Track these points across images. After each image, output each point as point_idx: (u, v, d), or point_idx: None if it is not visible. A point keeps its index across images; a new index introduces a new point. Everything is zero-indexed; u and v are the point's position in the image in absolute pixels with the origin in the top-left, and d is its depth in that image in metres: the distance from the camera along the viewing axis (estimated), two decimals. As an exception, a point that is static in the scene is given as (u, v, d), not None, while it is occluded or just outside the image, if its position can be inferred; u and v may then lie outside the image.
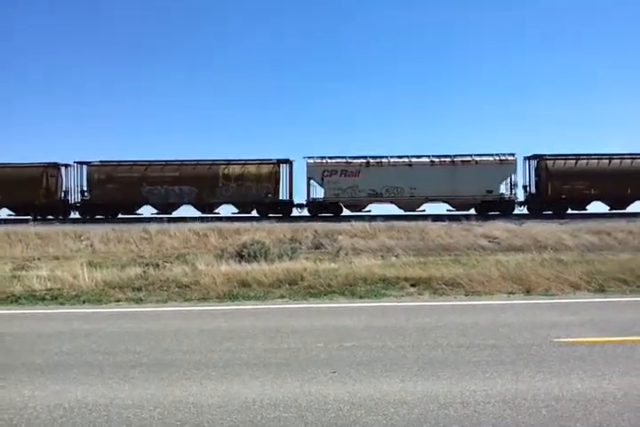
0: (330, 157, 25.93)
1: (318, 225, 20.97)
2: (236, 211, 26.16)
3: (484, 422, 3.77)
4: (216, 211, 26.17)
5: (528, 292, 9.35)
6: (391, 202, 25.94)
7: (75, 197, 26.77)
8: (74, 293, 9.67)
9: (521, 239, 18.17)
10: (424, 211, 25.41)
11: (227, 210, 26.31)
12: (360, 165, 25.64)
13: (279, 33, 78.18)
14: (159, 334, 6.58)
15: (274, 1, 77.20)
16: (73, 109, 74.25)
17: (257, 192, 25.83)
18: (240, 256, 13.43)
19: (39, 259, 16.39)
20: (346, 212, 25.84)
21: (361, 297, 9.15)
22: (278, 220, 23.65)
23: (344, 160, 25.81)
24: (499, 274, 10.12)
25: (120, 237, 20.20)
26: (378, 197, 25.73)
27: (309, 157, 26.02)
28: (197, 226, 21.34)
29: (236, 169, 26.14)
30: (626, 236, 18.92)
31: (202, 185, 25.85)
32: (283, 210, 26.06)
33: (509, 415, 3.87)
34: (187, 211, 26.26)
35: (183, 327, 7.01)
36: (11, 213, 26.20)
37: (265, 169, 26.20)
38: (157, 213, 25.50)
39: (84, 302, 9.15)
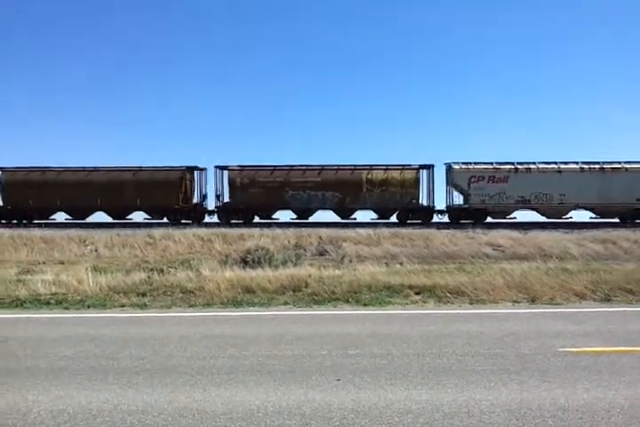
0: (475, 163, 25.81)
1: (323, 231, 20.97)
2: (375, 217, 25.95)
3: (489, 431, 3.75)
4: (352, 217, 26.08)
5: (533, 301, 9.31)
6: (536, 209, 25.66)
7: (210, 202, 26.81)
8: (78, 297, 9.69)
9: (525, 248, 18.14)
10: (570, 218, 25.54)
11: (366, 215, 26.32)
12: (509, 171, 25.47)
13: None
14: (163, 340, 6.58)
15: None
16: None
17: (401, 198, 25.69)
18: (244, 262, 13.46)
19: (44, 263, 16.45)
20: (488, 218, 25.70)
21: (365, 305, 9.13)
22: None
23: (491, 166, 25.65)
24: (503, 282, 10.09)
25: (125, 242, 20.26)
26: (525, 204, 25.49)
27: (454, 163, 25.87)
28: (202, 231, 21.39)
29: (379, 174, 25.96)
30: (631, 245, 18.88)
31: (345, 190, 25.73)
32: (423, 216, 25.87)
33: (515, 425, 3.84)
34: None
35: (187, 333, 7.00)
36: (147, 216, 26.08)
37: (408, 174, 26.03)
38: (296, 219, 25.64)
39: (88, 306, 9.16)
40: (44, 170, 26.49)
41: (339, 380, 4.91)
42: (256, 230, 21.53)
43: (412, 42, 79.86)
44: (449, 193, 26.34)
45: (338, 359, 5.62)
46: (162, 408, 4.23)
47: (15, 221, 25.95)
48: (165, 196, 25.40)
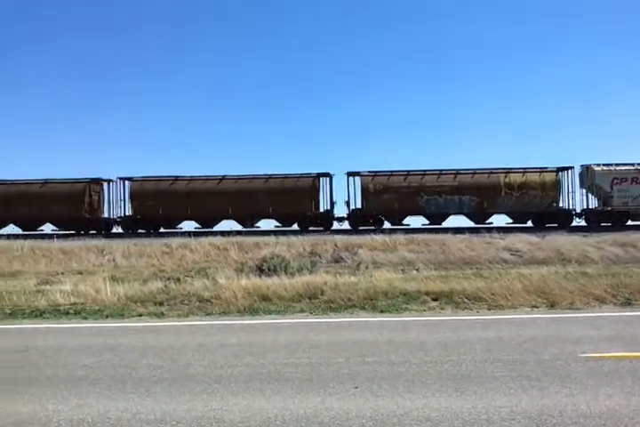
0: (617, 164, 25.53)
1: (338, 238, 20.95)
2: (510, 221, 25.88)
3: (509, 439, 3.70)
4: (488, 221, 25.85)
5: (552, 306, 9.20)
6: None
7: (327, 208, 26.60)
8: (97, 307, 9.77)
9: (544, 252, 17.95)
10: None
11: (501, 220, 26.20)
12: None
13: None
14: (181, 349, 6.60)
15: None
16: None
17: (540, 201, 25.35)
18: (260, 270, 13.48)
19: (62, 274, 16.62)
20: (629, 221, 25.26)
21: (382, 311, 9.09)
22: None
23: (633, 167, 25.37)
24: (522, 287, 9.99)
25: (142, 252, 20.41)
26: None
27: (594, 165, 25.59)
28: (217, 240, 21.47)
29: (517, 177, 25.67)
30: (652, 248, 18.57)
31: (483, 194, 25.40)
32: (563, 219, 25.52)
33: (536, 433, 3.79)
34: (459, 221, 26.07)
35: (204, 342, 7.02)
36: (277, 224, 26.25)
37: (548, 177, 25.76)
38: (429, 224, 25.29)
39: (106, 316, 9.23)
40: (173, 179, 26.80)
41: (356, 387, 4.88)
42: (271, 238, 21.58)
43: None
44: (585, 195, 26.08)
45: (355, 367, 5.60)
46: (180, 417, 4.23)
47: (143, 231, 26.34)
48: (297, 202, 25.43)
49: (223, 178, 26.52)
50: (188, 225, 26.99)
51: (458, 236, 21.33)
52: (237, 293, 10.08)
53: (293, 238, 21.21)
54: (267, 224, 26.65)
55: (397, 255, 18.20)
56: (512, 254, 18.08)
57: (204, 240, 21.44)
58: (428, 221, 25.71)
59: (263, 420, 4.13)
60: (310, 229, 25.35)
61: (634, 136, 67.27)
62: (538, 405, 4.33)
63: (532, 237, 20.38)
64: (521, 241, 19.74)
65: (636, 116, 71.23)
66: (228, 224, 26.52)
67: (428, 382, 5.03)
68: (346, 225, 26.28)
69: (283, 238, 21.43)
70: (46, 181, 27.08)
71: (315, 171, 26.51)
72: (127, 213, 26.99)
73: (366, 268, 14.90)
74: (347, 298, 9.77)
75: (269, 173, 26.53)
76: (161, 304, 9.93)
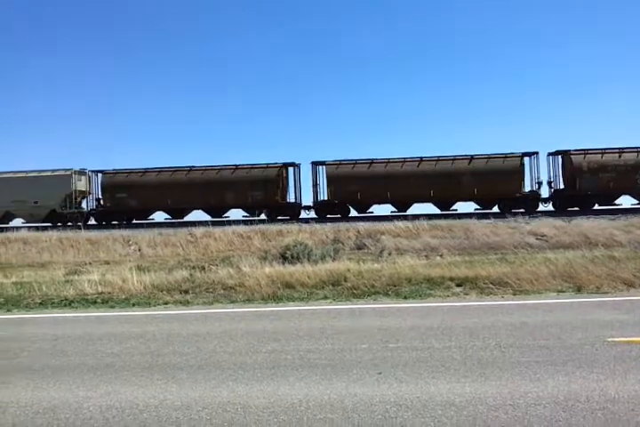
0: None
1: (361, 225, 20.92)
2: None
3: (535, 424, 3.67)
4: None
5: (579, 290, 9.07)
6: None
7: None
8: (123, 296, 9.94)
9: (570, 236, 17.68)
10: None
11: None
12: None
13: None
14: (206, 336, 6.68)
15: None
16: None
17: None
18: (283, 258, 13.53)
19: (90, 264, 16.94)
20: None
21: (405, 298, 9.06)
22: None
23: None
24: (548, 272, 9.86)
25: (167, 241, 20.67)
26: None
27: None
28: (241, 229, 21.62)
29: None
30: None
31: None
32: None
33: (562, 418, 3.75)
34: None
35: (229, 329, 7.10)
36: (477, 206, 25.90)
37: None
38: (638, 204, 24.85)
39: (133, 304, 9.39)
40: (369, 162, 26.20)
41: (380, 373, 4.89)
42: (294, 226, 21.63)
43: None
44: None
45: (378, 353, 5.60)
46: (206, 403, 4.29)
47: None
48: (506, 183, 24.93)
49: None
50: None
51: (482, 221, 21.13)
52: (261, 280, 10.15)
53: (316, 226, 21.22)
54: (466, 207, 26.39)
55: (421, 241, 18.11)
56: (537, 239, 17.84)
57: (228, 229, 21.61)
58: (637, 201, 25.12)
59: (288, 406, 4.17)
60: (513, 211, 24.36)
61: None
62: (564, 390, 4.28)
63: (558, 222, 20.08)
64: (546, 225, 19.47)
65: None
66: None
67: (452, 367, 5.01)
68: (550, 207, 25.92)
69: (305, 226, 21.48)
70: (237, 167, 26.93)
71: (519, 150, 25.95)
72: (323, 198, 26.44)
73: (389, 254, 14.86)
74: (370, 285, 9.76)
75: (477, 153, 25.94)
76: (186, 292, 10.05)
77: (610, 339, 5.79)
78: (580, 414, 3.79)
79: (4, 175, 27.77)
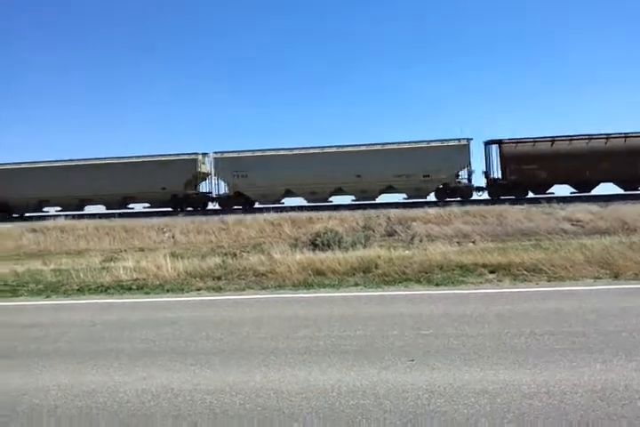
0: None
1: (392, 212, 20.79)
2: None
3: (571, 413, 3.61)
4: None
5: (616, 277, 8.85)
6: None
7: None
8: (158, 282, 10.11)
9: (607, 222, 17.25)
10: None
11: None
12: None
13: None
14: (238, 322, 6.75)
15: None
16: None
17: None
18: (314, 245, 13.57)
19: (125, 251, 17.31)
20: None
21: (437, 284, 8.99)
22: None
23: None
24: (583, 258, 9.64)
25: (199, 229, 20.94)
26: None
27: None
28: (271, 216, 21.75)
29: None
30: None
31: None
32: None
33: (600, 407, 3.67)
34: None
35: (261, 315, 7.16)
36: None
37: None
38: None
39: (167, 291, 9.55)
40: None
41: (412, 360, 4.87)
42: (324, 213, 21.63)
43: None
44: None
45: (410, 340, 5.57)
46: (239, 388, 4.35)
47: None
48: None
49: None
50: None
51: (516, 207, 20.76)
52: (292, 267, 10.20)
53: (346, 213, 21.19)
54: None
55: (452, 228, 17.93)
56: (573, 225, 17.48)
57: (259, 216, 21.76)
58: None
59: (320, 391, 4.19)
60: None
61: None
62: (601, 378, 4.19)
63: (594, 207, 19.60)
64: (582, 211, 19.04)
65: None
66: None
67: (485, 354, 4.95)
68: None
69: (335, 213, 21.46)
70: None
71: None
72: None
73: (420, 241, 14.75)
74: (401, 271, 9.70)
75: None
76: (219, 279, 10.17)
77: (649, 327, 5.64)
78: (618, 404, 3.71)
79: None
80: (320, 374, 4.62)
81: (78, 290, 9.96)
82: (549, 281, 8.84)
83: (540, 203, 21.05)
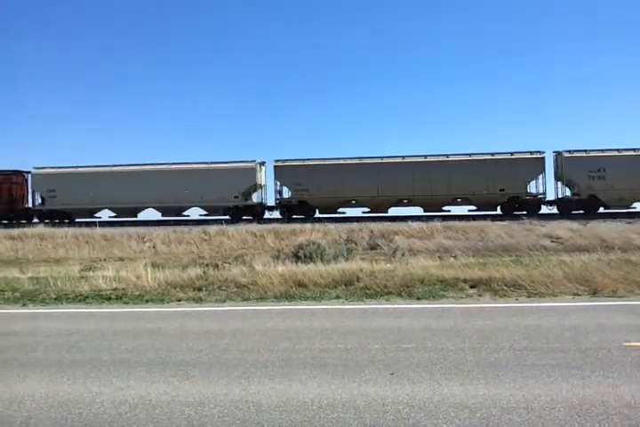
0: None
1: (374, 226, 20.86)
2: None
3: (549, 428, 3.63)
4: None
5: (594, 293, 8.96)
6: None
7: None
8: (137, 292, 10.01)
9: (586, 239, 17.48)
10: None
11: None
12: None
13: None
14: (219, 333, 6.70)
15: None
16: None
17: None
18: (296, 257, 13.54)
19: (105, 260, 17.09)
20: None
21: (418, 298, 9.02)
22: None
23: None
24: (563, 275, 9.76)
25: (181, 239, 20.78)
26: None
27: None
28: (254, 227, 21.67)
29: None
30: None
31: None
32: None
33: (577, 422, 3.70)
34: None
35: (242, 327, 7.11)
36: None
37: None
38: None
39: (147, 301, 9.45)
40: None
41: (392, 374, 4.87)
42: (307, 226, 21.62)
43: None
44: None
45: (391, 353, 5.58)
46: (218, 400, 4.30)
47: None
48: None
49: None
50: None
51: (497, 223, 20.98)
52: (274, 279, 10.17)
53: (330, 226, 21.21)
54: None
55: (434, 242, 18.02)
56: (553, 241, 17.69)
57: (242, 227, 21.68)
58: None
59: (300, 405, 4.16)
60: None
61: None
62: (579, 394, 4.23)
63: (574, 224, 19.89)
64: (562, 228, 19.29)
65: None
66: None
67: (465, 369, 4.97)
68: None
69: (318, 226, 21.46)
70: None
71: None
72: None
73: (402, 255, 14.79)
74: (383, 285, 9.73)
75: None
76: (200, 290, 10.10)
77: (626, 343, 5.72)
78: (595, 419, 3.74)
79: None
80: (300, 387, 4.60)
81: (56, 299, 9.81)
82: (529, 297, 8.92)
83: (520, 219, 21.30)
